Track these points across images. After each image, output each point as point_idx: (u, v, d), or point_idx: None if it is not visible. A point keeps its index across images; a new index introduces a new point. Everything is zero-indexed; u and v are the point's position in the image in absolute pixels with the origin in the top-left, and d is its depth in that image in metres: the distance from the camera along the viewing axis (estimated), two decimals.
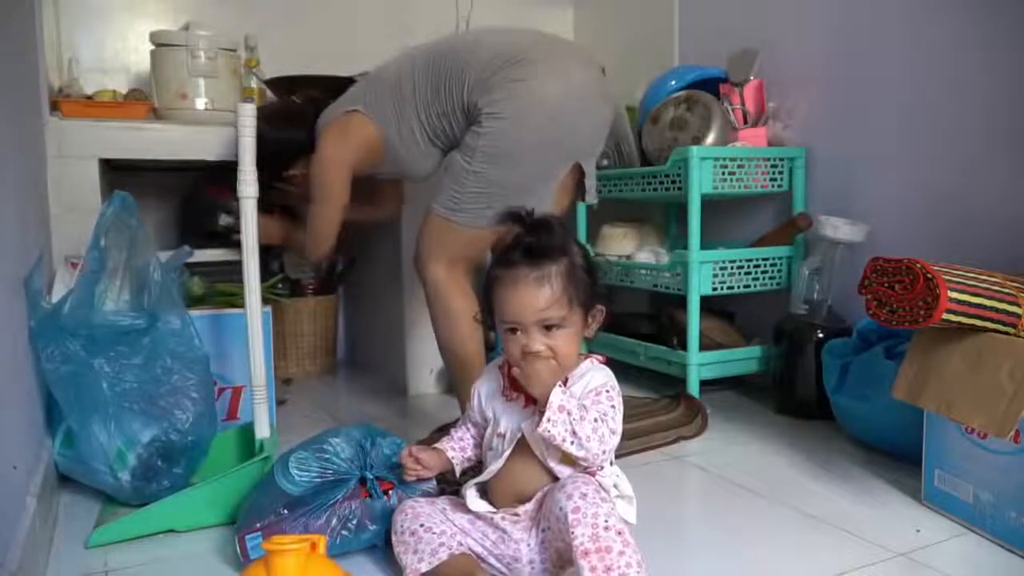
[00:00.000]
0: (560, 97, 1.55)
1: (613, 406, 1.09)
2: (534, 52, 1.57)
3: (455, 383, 1.67)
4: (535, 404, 1.10)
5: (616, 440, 1.08)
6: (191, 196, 2.26)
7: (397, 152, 1.69)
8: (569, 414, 1.03)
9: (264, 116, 1.76)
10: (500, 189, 1.53)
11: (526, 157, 1.55)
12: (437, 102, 1.61)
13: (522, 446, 1.12)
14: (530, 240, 1.09)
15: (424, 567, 1.09)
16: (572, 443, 1.04)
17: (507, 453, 1.12)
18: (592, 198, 1.72)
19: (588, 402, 1.08)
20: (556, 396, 1.04)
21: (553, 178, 1.61)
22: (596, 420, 1.05)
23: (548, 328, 1.08)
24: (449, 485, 1.30)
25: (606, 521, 0.97)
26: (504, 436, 1.14)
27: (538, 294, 1.07)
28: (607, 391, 1.10)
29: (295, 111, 1.84)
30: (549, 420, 1.03)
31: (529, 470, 1.11)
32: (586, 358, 1.15)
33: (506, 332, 1.11)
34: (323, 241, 1.80)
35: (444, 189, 1.59)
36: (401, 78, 1.66)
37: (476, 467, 1.23)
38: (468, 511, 1.14)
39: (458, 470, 1.23)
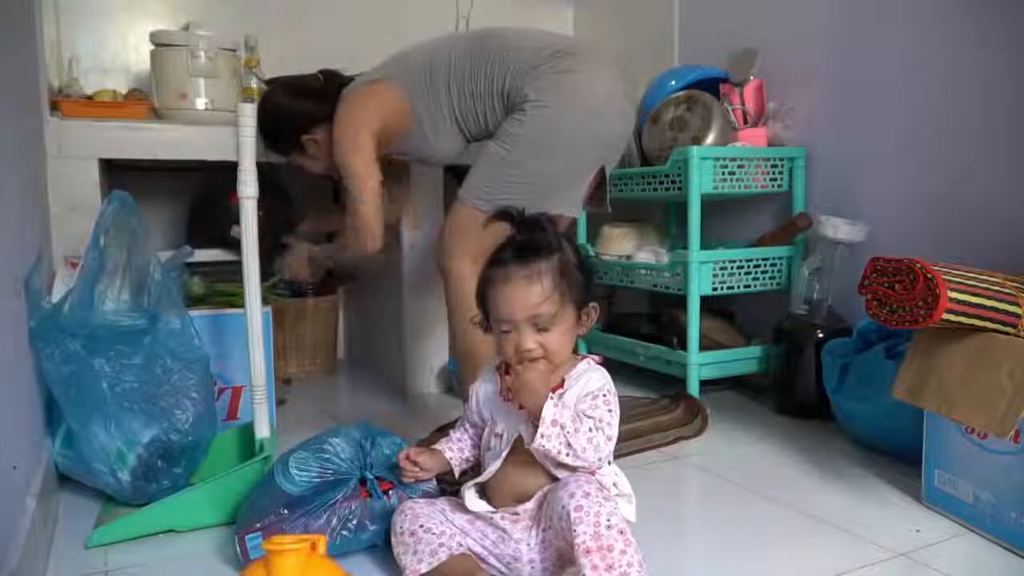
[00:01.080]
0: (604, 94, 1.57)
1: (610, 410, 1.09)
2: (582, 49, 1.60)
3: (464, 380, 1.67)
4: None
5: (612, 445, 1.08)
6: (204, 199, 2.25)
7: (423, 127, 1.66)
8: (563, 428, 1.03)
9: (281, 86, 1.77)
10: (534, 181, 1.52)
11: (566, 149, 1.55)
12: (473, 82, 1.60)
13: (520, 446, 1.11)
14: (520, 239, 1.10)
15: (424, 567, 1.09)
16: (567, 455, 1.04)
17: (504, 453, 1.12)
18: (608, 204, 1.74)
19: (585, 406, 1.08)
20: (548, 411, 1.03)
21: (584, 178, 1.61)
22: (591, 429, 1.05)
23: (540, 326, 1.08)
24: (449, 486, 1.30)
25: (608, 520, 0.97)
26: (502, 437, 1.15)
27: (528, 291, 1.07)
28: (604, 395, 1.09)
29: (313, 84, 1.80)
30: (543, 436, 1.02)
31: (527, 470, 1.11)
32: (583, 358, 1.15)
33: (500, 331, 1.11)
34: (369, 225, 1.67)
35: (476, 179, 1.57)
36: (435, 55, 1.65)
37: (476, 467, 1.23)
38: (468, 511, 1.14)
39: (456, 471, 1.23)
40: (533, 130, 1.52)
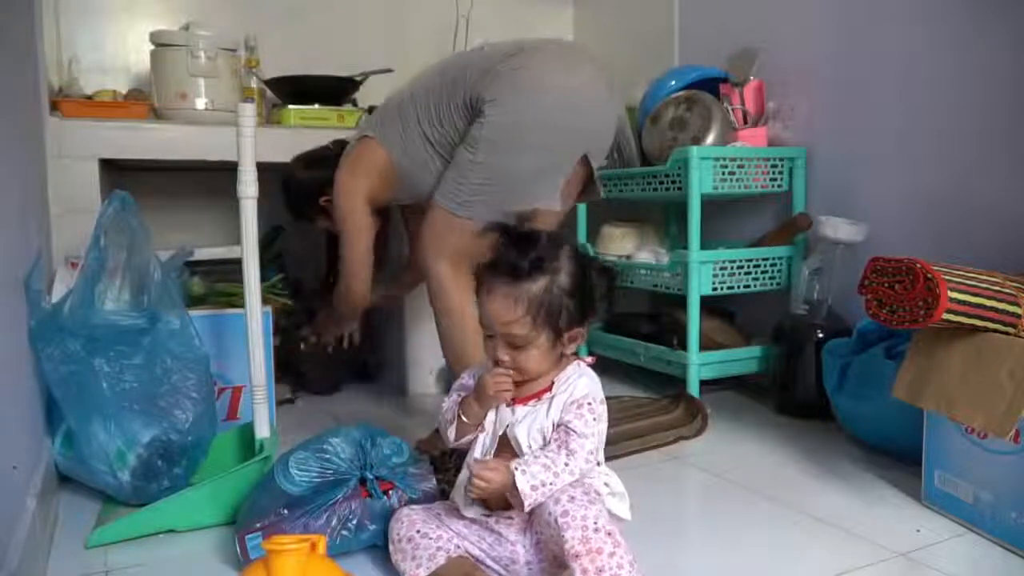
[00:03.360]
0: (567, 85, 1.55)
1: (595, 418, 1.09)
2: (537, 45, 1.59)
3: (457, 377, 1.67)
4: (521, 403, 1.11)
5: (597, 455, 1.09)
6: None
7: (406, 170, 1.67)
8: (543, 484, 1.03)
9: (297, 161, 1.90)
10: (505, 180, 1.51)
11: (532, 144, 1.52)
12: (437, 108, 1.60)
13: (505, 443, 1.12)
14: (510, 256, 1.08)
15: (423, 572, 1.09)
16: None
17: (492, 450, 1.12)
18: (600, 193, 1.73)
19: (570, 415, 1.08)
20: (523, 483, 1.02)
21: (560, 170, 1.58)
22: (567, 463, 1.05)
23: (512, 343, 1.08)
24: (449, 485, 1.29)
25: (595, 522, 0.98)
26: (487, 432, 1.14)
27: (504, 309, 1.07)
28: (589, 403, 1.09)
29: (323, 154, 1.88)
30: (530, 505, 1.02)
31: None
32: (574, 360, 1.15)
33: (485, 334, 1.12)
34: (356, 278, 1.75)
35: (448, 183, 1.56)
36: (403, 97, 1.67)
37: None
38: (463, 516, 1.14)
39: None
40: (493, 130, 1.51)
